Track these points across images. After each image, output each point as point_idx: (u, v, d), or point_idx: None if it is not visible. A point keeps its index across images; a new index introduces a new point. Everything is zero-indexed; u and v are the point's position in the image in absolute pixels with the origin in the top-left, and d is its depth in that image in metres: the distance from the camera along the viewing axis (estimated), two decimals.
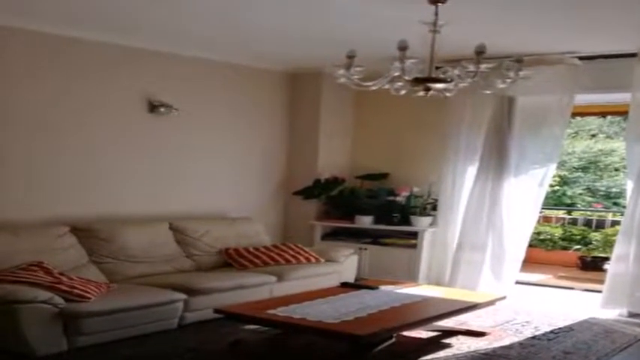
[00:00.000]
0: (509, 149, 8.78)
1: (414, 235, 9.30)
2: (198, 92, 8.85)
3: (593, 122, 15.76)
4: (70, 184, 7.63)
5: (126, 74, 8.08)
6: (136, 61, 8.16)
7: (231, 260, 8.10)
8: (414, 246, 9.24)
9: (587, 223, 12.97)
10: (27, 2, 6.46)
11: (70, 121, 7.61)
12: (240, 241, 8.57)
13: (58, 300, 5.74)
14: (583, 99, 8.67)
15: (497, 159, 8.83)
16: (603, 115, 13.81)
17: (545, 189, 8.86)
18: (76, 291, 5.94)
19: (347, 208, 9.75)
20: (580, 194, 14.88)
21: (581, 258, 11.66)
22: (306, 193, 9.82)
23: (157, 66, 8.36)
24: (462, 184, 9.20)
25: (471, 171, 9.13)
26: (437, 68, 5.82)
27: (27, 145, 7.28)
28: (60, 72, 7.49)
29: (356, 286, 7.25)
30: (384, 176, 9.89)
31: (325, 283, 7.67)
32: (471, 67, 5.61)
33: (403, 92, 5.95)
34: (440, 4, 5.62)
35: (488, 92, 6.69)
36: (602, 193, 14.87)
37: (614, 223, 12.25)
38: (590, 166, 15.28)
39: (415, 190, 9.52)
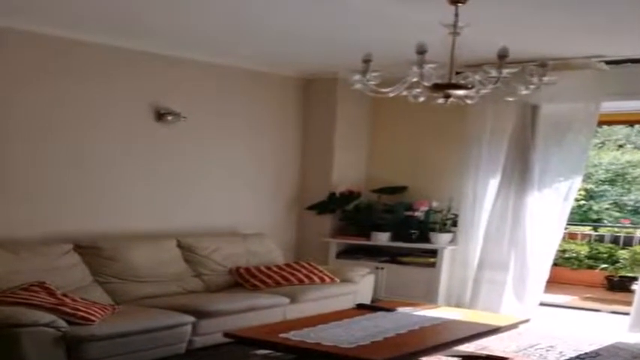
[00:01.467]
0: (532, 161, 8.71)
1: (433, 252, 9.24)
2: (207, 99, 8.82)
3: (621, 131, 15.71)
4: (72, 197, 7.59)
5: (131, 80, 8.04)
6: (143, 66, 8.12)
7: (242, 280, 8.07)
8: (433, 265, 9.18)
9: (614, 240, 12.91)
10: (27, 2, 6.42)
11: (73, 130, 7.57)
12: (251, 259, 8.54)
13: (61, 323, 5.70)
14: (610, 106, 8.56)
15: (520, 171, 8.76)
16: (631, 123, 13.77)
17: (571, 203, 8.74)
18: (79, 313, 5.91)
19: (363, 224, 9.70)
20: (607, 209, 14.82)
21: (608, 278, 11.60)
22: (320, 207, 9.78)
23: (164, 71, 8.31)
24: (484, 198, 9.11)
25: (493, 184, 9.03)
26: (457, 73, 5.76)
27: (27, 157, 7.23)
28: (61, 77, 7.45)
29: (372, 307, 7.18)
30: (401, 190, 9.81)
31: (340, 304, 7.63)
32: (493, 72, 5.53)
33: (422, 99, 5.88)
34: (460, 4, 5.56)
35: (510, 99, 6.63)
36: (629, 207, 14.81)
37: None
38: (617, 178, 15.23)
39: (434, 204, 9.45)
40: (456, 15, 5.57)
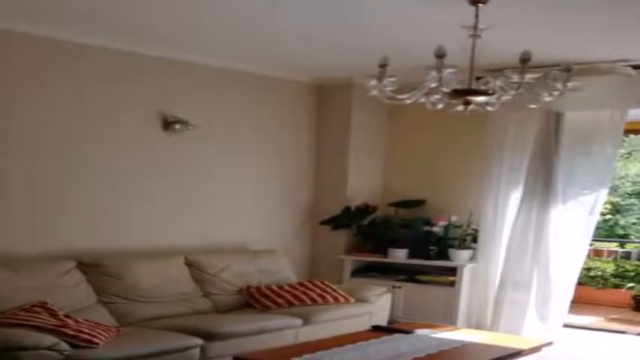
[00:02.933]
0: (556, 172, 8.64)
1: (452, 270, 9.18)
2: (216, 106, 8.77)
3: None
4: (75, 211, 7.54)
5: (137, 85, 7.98)
6: (149, 71, 8.06)
7: (253, 300, 8.03)
8: (453, 284, 9.12)
9: None
10: (29, 3, 6.40)
11: (75, 140, 7.51)
12: (262, 277, 8.51)
13: (64, 346, 5.67)
14: (637, 114, 8.49)
15: (542, 183, 8.70)
16: None
17: (596, 218, 8.66)
18: (83, 336, 5.88)
19: (379, 240, 9.65)
20: (634, 224, 14.74)
21: (635, 298, 11.53)
22: (335, 222, 9.73)
23: (171, 76, 8.27)
24: (505, 211, 9.03)
25: (515, 197, 8.96)
26: (477, 79, 5.74)
27: (27, 169, 7.19)
28: (63, 82, 7.39)
29: (389, 329, 7.14)
30: (419, 203, 9.76)
31: (355, 325, 7.54)
32: (515, 78, 5.51)
33: (440, 106, 5.84)
34: (481, 4, 5.52)
35: (533, 106, 6.58)
36: None
37: None
38: None
39: (453, 219, 9.41)
40: (477, 16, 5.53)
